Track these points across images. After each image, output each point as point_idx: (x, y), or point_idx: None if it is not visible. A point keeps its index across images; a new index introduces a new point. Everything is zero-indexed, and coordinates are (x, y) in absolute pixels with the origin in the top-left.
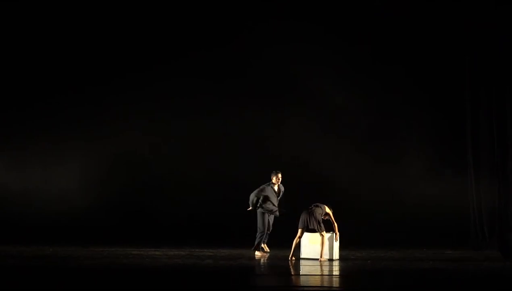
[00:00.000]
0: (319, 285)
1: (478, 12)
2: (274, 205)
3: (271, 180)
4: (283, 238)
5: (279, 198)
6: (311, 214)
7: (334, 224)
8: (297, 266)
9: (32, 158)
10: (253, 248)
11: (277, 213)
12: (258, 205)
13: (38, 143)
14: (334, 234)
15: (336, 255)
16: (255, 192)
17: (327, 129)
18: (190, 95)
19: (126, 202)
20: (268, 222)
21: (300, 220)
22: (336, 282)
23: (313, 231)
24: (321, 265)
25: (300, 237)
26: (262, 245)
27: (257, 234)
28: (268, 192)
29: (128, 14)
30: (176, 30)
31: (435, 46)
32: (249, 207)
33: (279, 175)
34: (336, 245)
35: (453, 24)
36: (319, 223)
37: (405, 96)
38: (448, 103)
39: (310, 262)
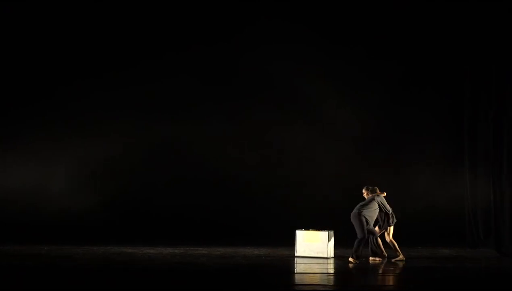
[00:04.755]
0: (314, 283)
1: (478, 13)
2: None
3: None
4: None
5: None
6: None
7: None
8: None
9: (28, 157)
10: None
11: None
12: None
13: (35, 143)
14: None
15: (331, 253)
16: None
17: (327, 131)
18: (191, 96)
19: (121, 201)
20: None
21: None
22: (331, 280)
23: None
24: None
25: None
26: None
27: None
28: None
29: (127, 14)
30: (174, 29)
31: (435, 47)
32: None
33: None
34: (331, 243)
35: (453, 25)
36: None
37: (402, 96)
38: (445, 103)
39: (305, 260)
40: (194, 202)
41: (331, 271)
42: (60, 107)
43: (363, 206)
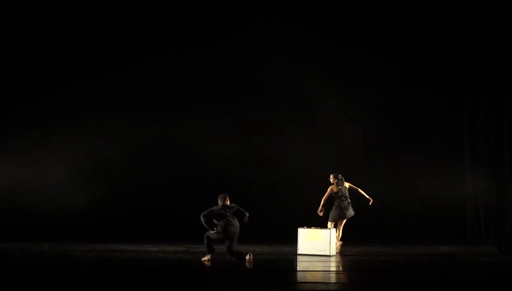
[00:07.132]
0: (316, 281)
1: (478, 13)
2: None
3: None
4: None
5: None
6: None
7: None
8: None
9: (29, 156)
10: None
11: None
12: None
13: (35, 142)
14: None
15: (333, 250)
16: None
17: (327, 131)
18: (191, 96)
19: (121, 201)
20: None
21: None
22: (333, 277)
23: None
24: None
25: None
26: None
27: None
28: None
29: (127, 14)
30: (174, 29)
31: (435, 47)
32: None
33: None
34: (333, 240)
35: (453, 25)
36: None
37: (402, 96)
38: (445, 103)
39: (307, 258)
40: (194, 202)
41: (333, 268)
42: (60, 107)
43: None
